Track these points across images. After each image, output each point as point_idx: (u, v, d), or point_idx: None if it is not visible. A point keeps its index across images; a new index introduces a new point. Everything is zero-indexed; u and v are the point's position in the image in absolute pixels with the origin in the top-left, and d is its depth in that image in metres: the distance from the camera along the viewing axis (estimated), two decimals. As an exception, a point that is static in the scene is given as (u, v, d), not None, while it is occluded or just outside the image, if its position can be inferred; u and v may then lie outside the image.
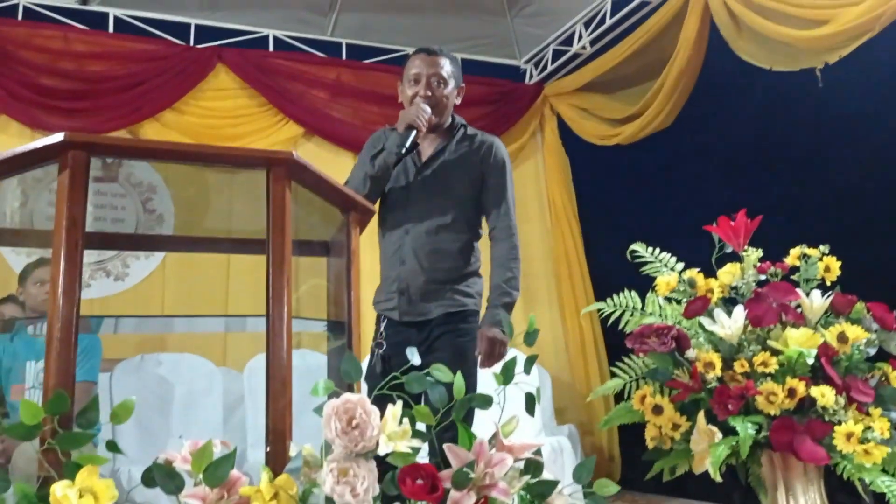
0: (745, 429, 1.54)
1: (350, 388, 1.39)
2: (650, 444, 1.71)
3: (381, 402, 1.28)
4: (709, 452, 1.56)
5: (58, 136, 1.33)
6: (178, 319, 3.71)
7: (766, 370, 1.61)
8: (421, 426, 1.32)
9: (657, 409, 1.68)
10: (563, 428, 4.72)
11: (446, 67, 2.45)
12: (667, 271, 1.92)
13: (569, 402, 5.20)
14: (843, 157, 3.67)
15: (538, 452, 1.37)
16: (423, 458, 1.29)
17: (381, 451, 1.23)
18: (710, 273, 1.86)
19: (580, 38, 5.33)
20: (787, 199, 3.78)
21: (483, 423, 1.48)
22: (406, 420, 1.27)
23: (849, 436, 1.51)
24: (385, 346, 2.33)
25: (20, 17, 4.71)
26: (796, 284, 1.78)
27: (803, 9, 3.65)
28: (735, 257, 1.88)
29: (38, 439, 1.20)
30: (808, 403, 1.58)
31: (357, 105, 5.34)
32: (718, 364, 1.63)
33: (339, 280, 1.73)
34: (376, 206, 2.46)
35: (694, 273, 1.87)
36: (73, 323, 1.28)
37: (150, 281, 4.57)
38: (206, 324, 3.65)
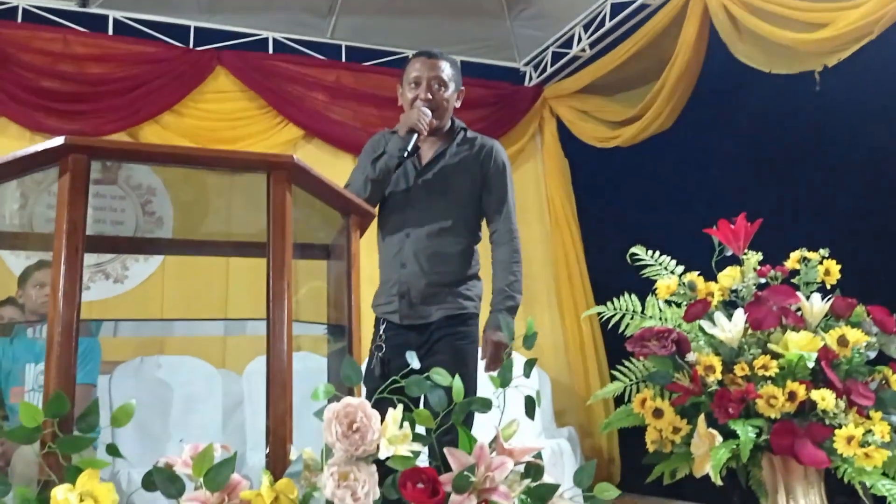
0: (746, 432, 1.54)
1: (350, 392, 1.39)
2: (651, 448, 1.71)
3: (380, 405, 1.28)
4: (709, 456, 1.56)
5: (58, 140, 1.34)
6: (177, 322, 3.71)
7: (767, 373, 1.61)
8: (421, 429, 1.32)
9: (658, 413, 1.68)
10: (563, 430, 4.72)
11: (446, 71, 2.46)
12: (667, 274, 1.93)
13: (568, 404, 5.20)
14: (843, 159, 3.67)
15: (539, 456, 1.37)
16: (422, 461, 1.29)
17: (382, 455, 1.23)
18: (710, 276, 1.86)
19: (579, 40, 5.33)
20: (787, 201, 3.79)
21: (483, 427, 1.48)
22: (406, 424, 1.27)
23: (849, 439, 1.52)
24: (384, 349, 2.33)
25: (20, 20, 4.71)
26: (796, 288, 1.79)
27: (802, 12, 3.65)
28: (735, 260, 1.88)
29: (39, 442, 1.20)
30: (808, 407, 1.58)
31: (357, 107, 5.33)
32: (719, 367, 1.64)
33: (340, 283, 1.73)
34: (376, 210, 2.47)
35: (694, 276, 1.87)
36: (73, 327, 1.28)
37: (149, 283, 4.57)
38: (205, 326, 3.65)
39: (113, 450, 1.27)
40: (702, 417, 1.62)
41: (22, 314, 3.26)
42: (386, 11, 5.26)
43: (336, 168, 4.66)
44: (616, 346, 1.91)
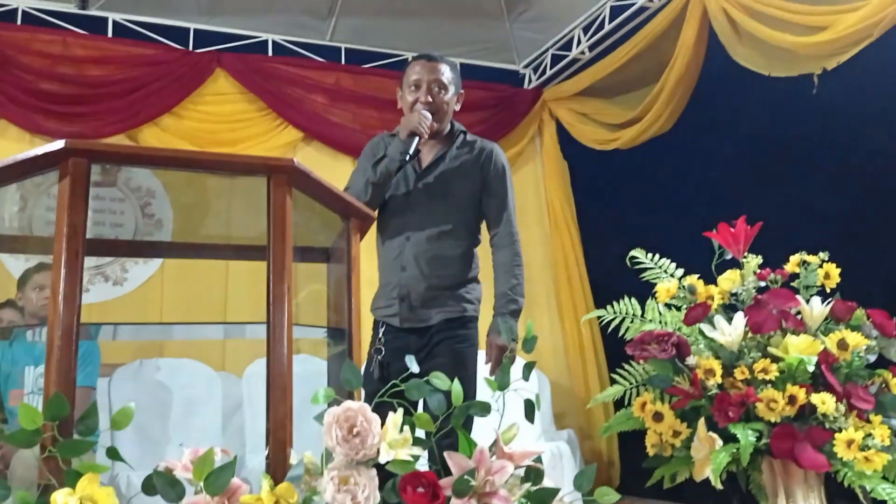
0: (746, 436, 1.54)
1: (350, 396, 1.39)
2: (651, 452, 1.71)
3: (379, 409, 1.28)
4: (709, 460, 1.56)
5: (58, 144, 1.34)
6: (177, 324, 3.70)
7: (767, 377, 1.61)
8: (420, 433, 1.32)
9: (658, 416, 1.68)
10: (563, 433, 4.72)
11: (446, 74, 2.46)
12: (666, 277, 1.92)
13: (568, 407, 5.19)
14: (842, 162, 3.68)
15: (538, 460, 1.37)
16: (422, 465, 1.29)
17: (382, 459, 1.23)
18: (710, 280, 1.86)
19: (579, 42, 5.34)
20: (787, 204, 3.78)
21: (483, 430, 1.48)
22: (407, 428, 1.27)
23: (849, 443, 1.52)
24: (384, 352, 2.33)
25: (19, 22, 4.71)
26: (796, 291, 1.79)
27: (801, 15, 3.65)
28: (735, 264, 1.88)
29: (39, 446, 1.20)
30: (808, 410, 1.58)
31: (356, 109, 5.33)
32: (719, 371, 1.64)
33: (340, 286, 1.73)
34: (376, 213, 2.47)
35: (694, 280, 1.87)
36: (73, 331, 1.28)
37: (148, 285, 4.57)
38: (204, 329, 3.65)
39: (113, 453, 1.27)
40: (702, 421, 1.62)
41: (21, 317, 3.26)
42: (385, 13, 5.26)
43: (335, 170, 4.67)
44: (616, 348, 1.91)
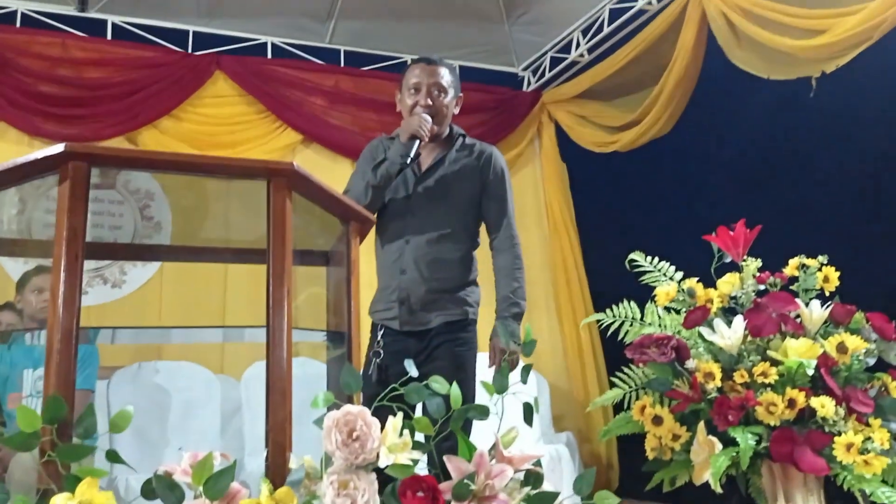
0: (746, 439, 1.54)
1: (350, 400, 1.38)
2: (650, 455, 1.71)
3: (378, 412, 1.28)
4: (709, 463, 1.56)
5: (58, 147, 1.33)
6: (175, 328, 3.70)
7: (766, 381, 1.61)
8: (420, 437, 1.32)
9: (657, 420, 1.68)
10: (562, 436, 4.72)
11: (446, 77, 2.46)
12: (666, 281, 1.92)
13: (567, 409, 5.19)
14: (842, 165, 3.68)
15: (538, 463, 1.37)
16: (421, 468, 1.29)
17: (382, 464, 1.22)
18: (709, 283, 1.86)
19: (578, 45, 5.34)
20: (786, 207, 3.79)
21: (482, 433, 1.48)
22: (406, 432, 1.27)
23: (849, 446, 1.52)
24: (383, 355, 2.32)
25: (18, 24, 4.71)
26: (795, 294, 1.79)
27: (800, 18, 3.65)
28: (734, 267, 1.88)
29: (38, 450, 1.20)
30: (807, 414, 1.58)
31: (355, 112, 5.34)
32: (718, 374, 1.64)
33: (339, 290, 1.73)
34: (375, 216, 2.46)
35: (693, 283, 1.87)
36: (73, 334, 1.27)
37: (147, 288, 4.56)
38: (203, 332, 3.64)
39: (113, 456, 1.27)
40: (701, 425, 1.62)
41: (20, 319, 3.26)
42: (384, 16, 5.26)
43: (335, 173, 4.66)
44: (615, 352, 1.91)
